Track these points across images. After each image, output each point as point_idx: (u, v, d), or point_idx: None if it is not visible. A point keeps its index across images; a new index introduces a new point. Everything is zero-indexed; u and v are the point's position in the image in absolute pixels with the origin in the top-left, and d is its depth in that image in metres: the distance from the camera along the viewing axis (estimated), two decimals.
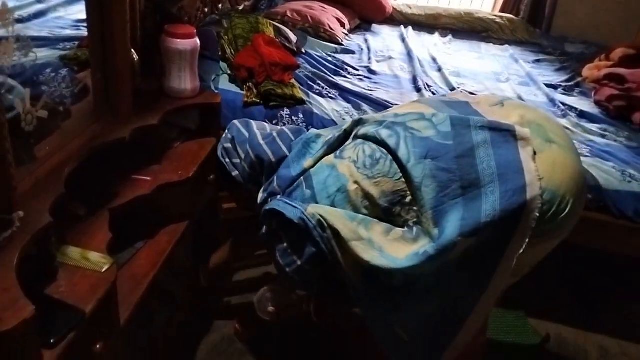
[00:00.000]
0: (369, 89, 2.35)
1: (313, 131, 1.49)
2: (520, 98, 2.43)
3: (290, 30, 2.67)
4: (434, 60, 2.86)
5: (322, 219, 1.21)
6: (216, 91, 1.99)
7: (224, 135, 1.54)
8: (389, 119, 1.30)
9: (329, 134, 1.41)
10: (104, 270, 1.10)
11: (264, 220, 1.34)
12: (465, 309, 1.25)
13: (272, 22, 2.60)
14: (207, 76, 2.05)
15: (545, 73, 2.92)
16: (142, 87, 1.58)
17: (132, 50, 1.50)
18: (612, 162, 1.93)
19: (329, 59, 2.65)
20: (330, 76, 2.38)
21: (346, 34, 3.13)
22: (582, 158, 1.89)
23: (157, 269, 1.36)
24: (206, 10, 2.46)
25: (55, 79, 1.28)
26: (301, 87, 2.17)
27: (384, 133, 1.26)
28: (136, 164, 1.48)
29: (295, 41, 2.59)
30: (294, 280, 1.31)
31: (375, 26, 3.48)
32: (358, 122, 1.36)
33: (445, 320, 1.27)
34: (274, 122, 1.97)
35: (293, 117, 1.98)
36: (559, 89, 2.67)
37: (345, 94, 2.22)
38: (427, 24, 3.62)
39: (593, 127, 2.24)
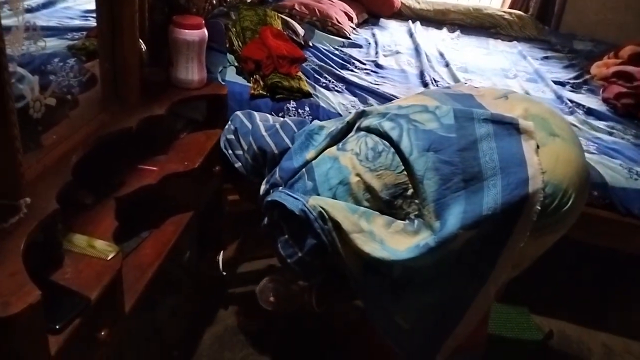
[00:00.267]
0: (376, 83, 2.34)
1: (316, 123, 1.48)
2: (527, 94, 2.42)
3: (298, 23, 2.67)
4: (442, 55, 2.85)
5: (323, 211, 1.21)
6: (223, 83, 1.99)
7: (226, 126, 1.55)
8: (392, 111, 1.30)
9: (332, 126, 1.41)
10: (109, 258, 1.11)
11: (265, 211, 1.34)
12: (465, 300, 1.25)
13: (279, 14, 2.60)
14: (214, 68, 2.05)
15: (553, 70, 2.90)
16: (149, 77, 1.58)
17: (140, 40, 1.51)
18: (619, 159, 1.92)
19: (336, 52, 2.65)
20: (337, 70, 2.38)
21: (354, 28, 3.13)
22: (588, 155, 1.91)
23: (162, 258, 1.36)
24: (214, 2, 2.46)
25: (63, 69, 1.29)
26: (308, 80, 2.16)
27: (386, 125, 1.25)
28: (143, 153, 1.49)
29: (302, 34, 2.59)
30: (294, 271, 1.32)
31: (383, 21, 3.48)
32: (361, 114, 1.36)
33: (445, 311, 1.27)
34: (280, 114, 1.97)
35: (299, 110, 1.98)
36: (567, 86, 2.65)
37: (352, 87, 2.22)
38: (435, 19, 3.61)
39: (600, 124, 2.23)
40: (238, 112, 1.55)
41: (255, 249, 1.83)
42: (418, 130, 1.22)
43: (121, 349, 1.21)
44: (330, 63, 2.45)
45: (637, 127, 2.25)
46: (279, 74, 2.03)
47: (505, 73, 2.74)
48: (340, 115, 1.98)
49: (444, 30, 3.42)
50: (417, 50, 2.88)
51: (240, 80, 2.09)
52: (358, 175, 1.24)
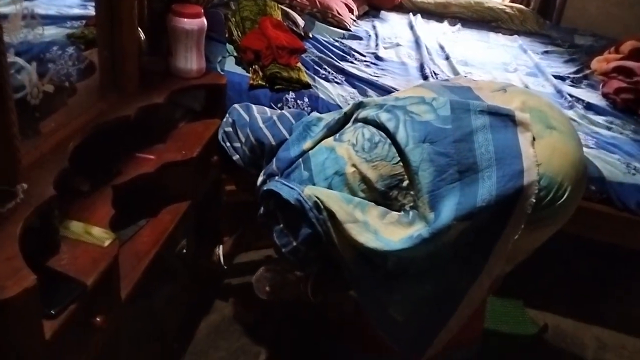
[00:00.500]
0: (375, 75, 2.34)
1: (314, 114, 1.49)
2: (527, 88, 2.41)
3: (298, 15, 2.66)
4: (442, 48, 2.84)
5: (318, 201, 1.22)
6: (222, 73, 1.99)
7: (224, 119, 1.54)
8: (389, 103, 1.30)
9: (330, 118, 1.41)
10: (105, 244, 1.11)
11: (261, 200, 1.35)
12: (458, 293, 1.25)
13: (280, 5, 2.59)
14: (213, 58, 2.04)
15: (553, 64, 2.90)
16: (148, 66, 1.58)
17: (139, 29, 1.50)
18: (617, 154, 1.93)
19: (336, 44, 2.64)
20: (337, 61, 2.38)
21: (354, 20, 3.12)
22: (587, 149, 1.91)
23: (159, 247, 1.37)
24: None
25: (62, 57, 1.29)
26: (307, 71, 2.16)
27: (383, 116, 1.26)
28: (141, 142, 1.49)
29: (302, 25, 2.58)
30: (290, 260, 1.32)
31: (383, 13, 3.46)
32: (359, 105, 1.36)
33: (438, 303, 1.28)
34: (279, 105, 1.97)
35: (298, 101, 1.98)
36: (567, 81, 2.65)
37: (351, 79, 2.22)
38: (437, 12, 3.60)
39: (599, 119, 2.23)
40: (236, 105, 1.54)
41: (253, 240, 1.84)
42: (414, 122, 1.22)
43: (117, 335, 1.22)
44: (330, 54, 2.44)
45: (636, 122, 2.25)
46: (278, 64, 2.02)
47: (506, 67, 2.74)
48: (339, 106, 1.98)
49: (445, 23, 3.40)
50: (417, 43, 2.87)
51: (240, 70, 2.09)
52: (354, 165, 1.24)
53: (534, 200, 1.14)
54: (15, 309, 0.83)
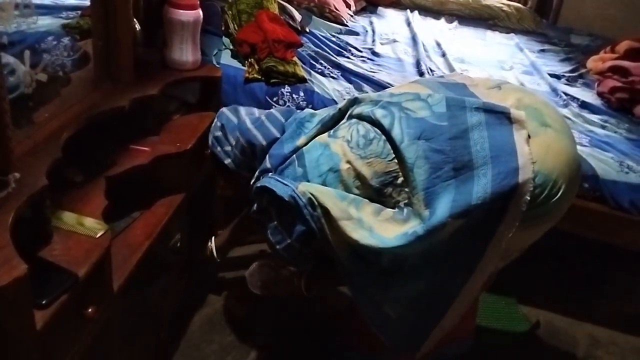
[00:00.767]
0: (372, 70, 2.34)
1: (307, 110, 1.47)
2: (523, 86, 2.42)
3: (295, 9, 2.65)
4: (439, 45, 2.84)
5: (312, 197, 1.21)
6: (217, 66, 1.98)
7: (213, 124, 1.51)
8: (384, 99, 1.29)
9: (323, 113, 1.40)
10: (98, 235, 1.11)
11: (255, 197, 1.34)
12: (452, 290, 1.25)
13: None
14: (209, 50, 2.04)
15: (549, 63, 2.90)
16: (143, 57, 1.57)
17: (135, 20, 1.50)
18: (610, 152, 1.93)
19: (333, 39, 2.64)
20: (333, 56, 2.37)
21: (351, 16, 3.12)
22: (581, 148, 1.92)
23: (152, 239, 1.37)
24: None
25: (57, 47, 1.28)
26: (303, 65, 2.16)
27: (378, 113, 1.25)
28: (135, 134, 1.49)
29: (299, 20, 2.58)
30: (284, 257, 1.32)
31: (381, 9, 3.46)
32: (354, 102, 1.35)
33: (432, 300, 1.27)
34: (275, 99, 1.96)
35: (294, 95, 1.98)
36: (562, 79, 2.65)
37: (347, 74, 2.22)
38: (434, 9, 3.59)
39: (594, 117, 2.24)
40: (223, 109, 1.52)
41: (246, 234, 1.83)
42: (410, 118, 1.22)
43: (109, 327, 1.21)
44: (327, 49, 2.44)
45: (630, 121, 2.26)
46: (274, 58, 2.02)
47: (502, 65, 2.74)
48: (334, 101, 1.97)
49: (442, 20, 3.40)
50: (414, 39, 2.87)
51: (235, 63, 2.08)
52: (348, 162, 1.24)
53: (529, 198, 1.14)
54: (6, 299, 0.82)
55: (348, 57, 2.45)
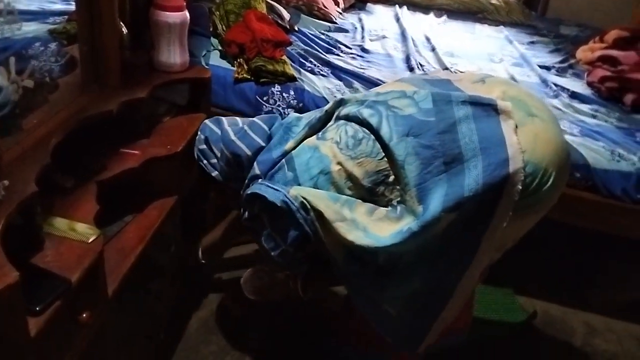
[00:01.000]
0: (362, 67, 2.34)
1: (293, 115, 1.46)
2: (513, 78, 2.43)
3: (284, 8, 2.65)
4: (428, 40, 2.84)
5: (305, 201, 1.20)
6: (206, 67, 1.98)
7: (197, 137, 1.49)
8: (370, 98, 1.29)
9: (310, 116, 1.39)
10: (90, 240, 1.11)
11: (245, 205, 1.32)
12: (450, 284, 1.25)
13: None
14: (197, 52, 2.03)
15: (539, 54, 2.91)
16: (131, 60, 1.57)
17: (121, 23, 1.49)
18: (601, 141, 1.94)
19: (322, 37, 2.64)
20: (323, 54, 2.37)
21: (340, 13, 3.12)
22: (572, 137, 1.93)
23: (145, 242, 1.36)
24: None
25: (44, 53, 1.28)
26: (293, 64, 2.15)
27: (365, 112, 1.24)
28: (125, 137, 1.48)
29: (288, 18, 2.57)
30: (279, 263, 1.31)
31: (369, 5, 3.46)
32: (340, 103, 1.35)
33: (431, 296, 1.27)
34: (265, 98, 1.96)
35: (284, 94, 1.98)
36: (552, 70, 2.66)
37: (337, 71, 2.22)
38: (422, 4, 3.60)
39: (584, 107, 2.24)
40: (206, 121, 1.50)
41: (236, 235, 1.82)
42: (397, 116, 1.22)
43: (104, 332, 1.21)
44: (316, 47, 2.44)
45: (620, 110, 2.26)
46: (263, 57, 2.02)
47: (491, 57, 2.74)
48: (325, 99, 1.98)
49: (431, 15, 3.41)
50: (403, 34, 2.87)
51: (224, 64, 2.08)
52: (339, 163, 1.23)
53: (520, 188, 1.14)
54: None
55: (338, 55, 2.45)
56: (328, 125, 1.34)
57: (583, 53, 2.82)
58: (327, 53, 2.42)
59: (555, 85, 2.42)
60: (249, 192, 1.29)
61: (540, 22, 3.50)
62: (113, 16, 1.39)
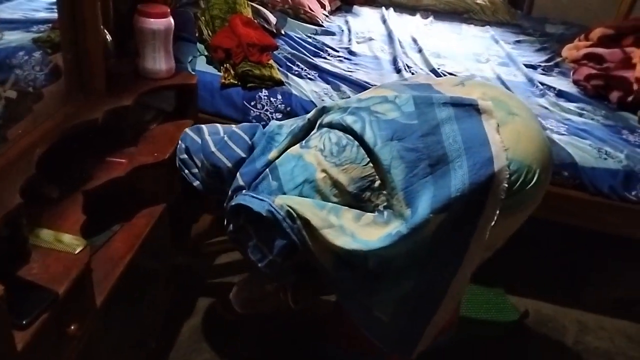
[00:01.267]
0: (349, 70, 2.34)
1: (274, 123, 1.44)
2: (499, 78, 2.44)
3: (269, 12, 2.65)
4: (415, 41, 2.85)
5: (291, 210, 1.19)
6: (193, 73, 1.97)
7: (178, 146, 1.47)
8: (352, 105, 1.29)
9: (292, 124, 1.38)
10: (77, 252, 1.09)
11: (230, 217, 1.30)
12: (441, 286, 1.25)
13: (250, 2, 2.57)
14: (184, 57, 2.03)
15: (525, 54, 2.93)
16: (116, 68, 1.56)
17: (105, 30, 1.48)
18: (588, 139, 1.95)
19: (309, 40, 2.64)
20: (310, 57, 2.37)
21: (326, 16, 3.12)
22: (559, 136, 1.94)
23: (134, 251, 1.35)
24: None
25: (28, 62, 1.27)
26: (280, 68, 2.15)
27: (348, 119, 1.24)
28: (111, 146, 1.47)
29: (274, 22, 2.57)
30: (267, 274, 1.30)
31: (356, 8, 3.47)
32: (322, 111, 1.34)
33: (422, 300, 1.27)
34: (252, 103, 1.96)
35: (272, 99, 1.97)
36: (539, 69, 2.68)
37: (325, 75, 2.21)
38: (409, 5, 3.62)
39: (571, 106, 2.26)
40: (187, 129, 1.48)
41: (218, 229, 1.79)
42: (380, 121, 1.22)
43: (94, 343, 1.19)
44: (303, 51, 2.44)
45: (607, 107, 2.28)
46: (249, 62, 2.01)
47: (478, 57, 2.75)
48: (313, 102, 1.97)
49: (417, 16, 3.42)
50: (390, 36, 2.88)
51: (211, 69, 2.07)
52: (324, 171, 1.22)
53: (506, 186, 1.14)
54: None
55: (325, 58, 2.45)
56: (311, 134, 1.33)
57: (569, 51, 2.84)
58: (314, 56, 2.41)
59: (542, 84, 2.43)
60: (233, 203, 1.27)
61: (525, 21, 3.52)
62: (97, 23, 1.38)
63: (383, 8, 3.46)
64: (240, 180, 1.32)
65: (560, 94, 2.37)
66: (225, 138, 1.40)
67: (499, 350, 1.87)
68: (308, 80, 2.15)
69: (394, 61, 2.50)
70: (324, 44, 2.62)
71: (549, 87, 2.41)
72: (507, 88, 2.32)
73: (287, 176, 1.26)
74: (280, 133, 1.37)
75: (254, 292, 1.60)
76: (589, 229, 1.94)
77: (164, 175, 1.49)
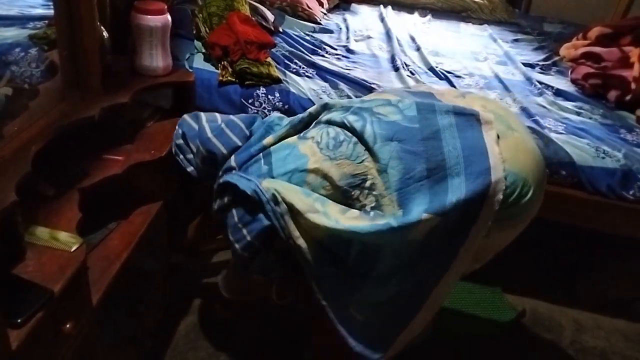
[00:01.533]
0: (347, 68, 2.33)
1: (275, 114, 1.47)
2: (497, 76, 2.44)
3: (267, 9, 2.64)
4: (413, 39, 2.85)
5: (276, 193, 1.20)
6: (190, 70, 1.96)
7: (175, 131, 1.49)
8: (355, 105, 1.30)
9: (292, 118, 1.40)
10: (73, 249, 1.09)
11: (217, 195, 1.32)
12: (423, 294, 1.25)
13: (248, 0, 2.56)
14: (181, 55, 2.01)
15: (523, 52, 2.92)
16: (113, 65, 1.55)
17: (102, 27, 1.47)
18: (586, 138, 1.95)
19: (307, 38, 2.63)
20: (308, 55, 2.36)
21: (324, 13, 3.11)
22: (557, 135, 1.94)
23: (130, 249, 1.35)
24: None
25: (24, 59, 1.26)
26: (278, 66, 2.14)
27: (350, 117, 1.26)
28: (108, 143, 1.47)
29: (272, 20, 2.56)
30: (243, 258, 1.29)
31: (354, 5, 3.46)
32: (324, 107, 1.36)
33: (401, 304, 1.27)
34: (250, 101, 1.95)
35: (269, 96, 1.96)
36: (536, 68, 2.67)
37: (323, 72, 2.20)
38: (407, 3, 3.61)
39: (569, 104, 2.26)
40: (185, 115, 1.50)
41: (213, 229, 1.79)
42: (381, 122, 1.23)
43: (90, 341, 1.19)
44: (301, 49, 2.43)
45: (604, 106, 2.28)
46: (247, 59, 2.00)
47: (476, 56, 2.75)
48: (311, 100, 1.96)
49: (416, 14, 3.41)
50: (388, 34, 2.87)
51: (209, 67, 2.06)
52: (317, 162, 1.23)
53: (501, 197, 1.15)
54: None
55: (323, 56, 2.44)
56: (310, 127, 1.35)
57: (566, 50, 2.84)
58: (312, 54, 2.41)
59: (540, 83, 2.43)
60: (221, 181, 1.30)
61: (523, 20, 3.51)
62: (93, 20, 1.37)
63: (381, 6, 3.45)
64: (232, 162, 1.34)
65: (558, 92, 2.37)
66: (222, 125, 1.42)
67: (496, 349, 1.87)
68: (306, 78, 2.14)
69: (392, 59, 2.50)
70: (322, 41, 2.61)
71: (547, 86, 2.41)
72: (505, 87, 2.33)
73: (278, 162, 1.27)
74: (280, 124, 1.39)
75: (243, 279, 1.60)
76: (586, 228, 1.94)
77: (161, 173, 1.49)
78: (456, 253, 1.20)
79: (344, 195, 1.23)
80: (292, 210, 1.20)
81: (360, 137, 1.22)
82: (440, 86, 1.49)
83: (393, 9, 3.44)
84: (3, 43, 1.24)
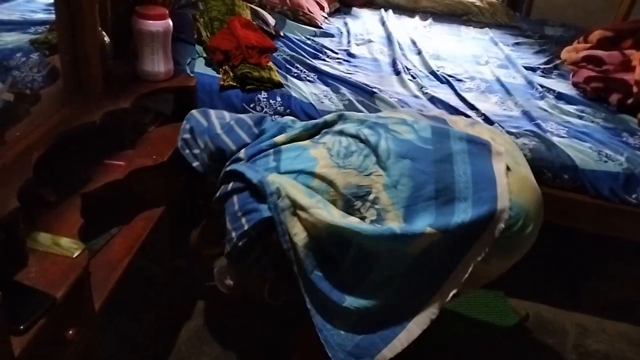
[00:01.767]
0: (348, 72, 2.33)
1: (289, 117, 1.50)
2: (499, 80, 2.43)
3: (268, 13, 2.64)
4: (414, 43, 2.85)
5: (280, 188, 1.22)
6: (192, 74, 1.96)
7: (182, 126, 1.50)
8: (371, 119, 1.35)
9: (306, 122, 1.44)
10: (75, 255, 1.09)
11: (221, 183, 1.34)
12: (411, 309, 1.25)
13: (249, 4, 2.56)
14: (182, 59, 2.01)
15: (524, 56, 2.92)
16: (114, 70, 1.55)
17: (103, 32, 1.47)
18: (588, 142, 1.94)
19: (308, 42, 2.63)
20: (309, 59, 2.36)
21: (325, 17, 3.11)
22: (559, 139, 1.94)
23: (133, 254, 1.35)
24: None
25: (25, 64, 1.26)
26: (279, 70, 2.14)
27: (366, 131, 1.30)
28: (109, 148, 1.47)
29: (273, 24, 2.56)
30: (238, 249, 1.28)
31: (355, 9, 3.46)
32: (340, 117, 1.40)
33: (389, 317, 1.27)
34: (251, 105, 1.95)
35: (271, 101, 1.96)
36: (538, 71, 2.67)
37: (324, 77, 2.21)
38: (408, 7, 3.61)
39: (570, 108, 2.25)
40: (193, 111, 1.52)
41: (217, 235, 1.79)
42: (396, 139, 1.27)
43: (92, 347, 1.19)
44: (302, 53, 2.43)
45: (606, 110, 2.28)
46: (248, 64, 2.00)
47: (477, 59, 2.75)
48: (312, 105, 1.96)
49: (416, 18, 3.41)
50: (389, 38, 2.87)
51: (210, 71, 2.06)
52: (325, 167, 1.25)
53: (503, 226, 1.18)
54: None
55: (324, 60, 2.44)
56: (323, 133, 1.38)
57: (568, 53, 2.84)
58: (313, 58, 2.41)
59: (541, 86, 2.43)
60: (227, 169, 1.32)
61: (524, 23, 3.51)
62: (94, 25, 1.37)
63: (382, 10, 3.45)
64: (241, 154, 1.36)
65: (559, 96, 2.37)
66: (232, 122, 1.44)
67: (499, 353, 1.86)
68: (307, 82, 2.14)
69: (393, 63, 2.50)
70: (323, 45, 2.61)
71: (549, 90, 2.41)
72: (507, 90, 2.32)
73: (287, 160, 1.29)
74: (293, 127, 1.42)
75: (239, 273, 1.58)
76: (589, 231, 1.94)
77: (163, 178, 1.49)
78: (449, 273, 1.22)
79: (347, 204, 1.25)
80: (295, 205, 1.21)
81: (374, 150, 1.26)
82: (452, 116, 1.53)
83: (394, 12, 3.44)
84: (4, 48, 1.24)
